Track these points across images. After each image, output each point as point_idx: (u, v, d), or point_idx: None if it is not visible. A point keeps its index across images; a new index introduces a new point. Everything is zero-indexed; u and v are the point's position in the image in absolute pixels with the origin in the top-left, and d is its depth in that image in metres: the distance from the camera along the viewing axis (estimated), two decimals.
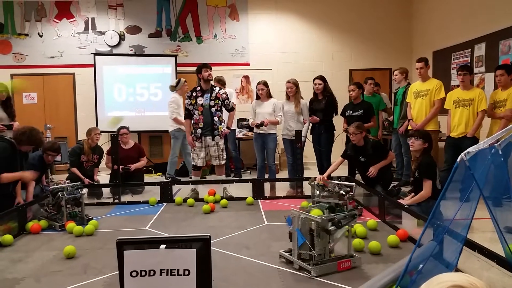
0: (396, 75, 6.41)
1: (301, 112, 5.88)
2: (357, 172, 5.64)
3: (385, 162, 4.95)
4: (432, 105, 5.42)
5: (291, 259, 2.97)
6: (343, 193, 4.30)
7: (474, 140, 4.81)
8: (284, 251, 3.09)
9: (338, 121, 6.08)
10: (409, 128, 5.65)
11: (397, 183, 5.98)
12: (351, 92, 5.90)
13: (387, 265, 2.89)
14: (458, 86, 5.32)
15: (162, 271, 1.98)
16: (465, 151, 1.97)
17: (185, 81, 6.91)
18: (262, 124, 5.72)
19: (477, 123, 4.92)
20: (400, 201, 4.19)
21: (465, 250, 2.60)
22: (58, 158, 6.69)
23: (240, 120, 8.05)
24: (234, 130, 7.40)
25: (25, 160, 4.59)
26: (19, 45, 8.41)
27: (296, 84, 5.84)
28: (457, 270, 2.67)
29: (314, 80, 5.92)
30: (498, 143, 2.11)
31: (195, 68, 5.45)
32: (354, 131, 4.90)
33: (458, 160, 1.97)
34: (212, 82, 5.49)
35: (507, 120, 4.66)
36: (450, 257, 2.50)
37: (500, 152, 2.08)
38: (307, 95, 6.18)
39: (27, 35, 8.42)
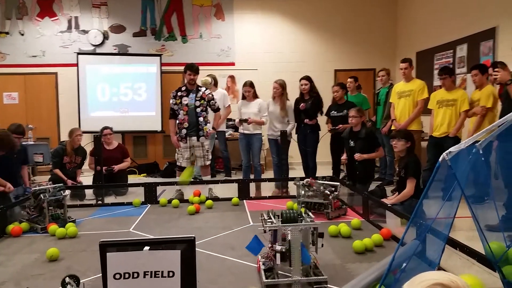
0: (383, 76, 6.44)
1: (287, 114, 5.86)
2: (342, 166, 5.69)
3: (372, 155, 5.07)
4: (415, 105, 5.49)
5: (289, 281, 2.58)
6: (328, 192, 4.34)
7: (456, 140, 4.89)
8: (267, 278, 2.63)
9: (323, 122, 6.11)
10: (393, 128, 5.71)
11: (380, 182, 6.03)
12: (335, 93, 5.93)
13: (371, 264, 2.92)
14: (441, 86, 5.39)
15: (146, 273, 1.96)
16: (447, 151, 2.00)
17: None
18: (245, 121, 5.69)
19: (459, 123, 5.01)
20: (384, 200, 4.23)
21: (447, 249, 2.64)
22: (40, 159, 6.59)
23: (226, 120, 8.01)
24: (224, 131, 7.35)
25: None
26: None
27: (282, 86, 5.82)
28: (439, 268, 2.71)
29: (300, 80, 5.93)
30: (479, 142, 2.15)
31: (180, 67, 5.42)
32: (355, 114, 5.00)
33: (440, 159, 2.00)
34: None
35: (480, 116, 4.80)
36: (433, 255, 2.54)
37: (481, 152, 2.12)
38: (292, 95, 6.19)
39: (7, 33, 8.24)
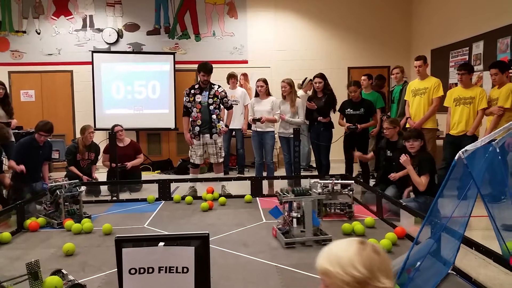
0: (397, 73, 6.34)
1: (297, 111, 5.84)
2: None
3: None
4: (430, 103, 5.42)
5: (303, 240, 3.33)
6: (347, 192, 4.32)
7: (474, 139, 4.81)
8: (283, 236, 3.38)
9: (336, 120, 6.08)
10: (407, 126, 5.65)
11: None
12: (352, 93, 5.86)
13: None
14: (456, 84, 5.31)
15: (161, 268, 1.98)
16: (463, 149, 1.98)
17: (310, 80, 6.86)
18: (259, 120, 5.70)
19: (477, 121, 4.93)
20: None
21: (462, 248, 2.61)
22: (56, 155, 6.70)
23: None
24: (241, 129, 7.27)
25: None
26: (17, 43, 8.38)
27: (290, 84, 5.80)
28: (454, 267, 2.68)
29: (314, 78, 5.90)
30: (496, 141, 2.12)
31: (193, 65, 5.45)
32: (388, 126, 4.94)
33: (456, 158, 1.98)
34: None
35: (497, 116, 4.71)
36: (448, 254, 2.51)
37: (498, 150, 2.09)
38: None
39: (24, 32, 8.39)
